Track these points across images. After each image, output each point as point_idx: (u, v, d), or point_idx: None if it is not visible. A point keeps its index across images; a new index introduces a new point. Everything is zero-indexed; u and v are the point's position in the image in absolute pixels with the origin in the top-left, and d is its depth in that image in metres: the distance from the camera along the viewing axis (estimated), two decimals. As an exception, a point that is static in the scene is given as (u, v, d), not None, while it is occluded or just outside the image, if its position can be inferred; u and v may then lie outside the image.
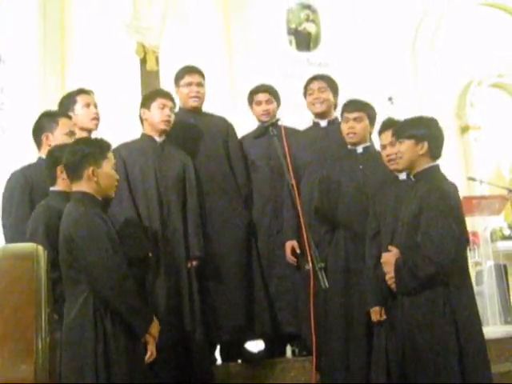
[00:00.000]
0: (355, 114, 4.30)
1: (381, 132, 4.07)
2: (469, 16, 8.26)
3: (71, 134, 4.01)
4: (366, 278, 3.92)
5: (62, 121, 4.00)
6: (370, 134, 4.43)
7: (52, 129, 3.96)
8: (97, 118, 4.38)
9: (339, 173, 4.37)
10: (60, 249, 3.15)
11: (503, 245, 7.64)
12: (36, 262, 1.56)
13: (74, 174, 3.27)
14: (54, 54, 6.68)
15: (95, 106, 4.40)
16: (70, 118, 4.12)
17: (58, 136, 3.95)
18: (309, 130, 4.89)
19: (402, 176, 3.82)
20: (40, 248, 1.65)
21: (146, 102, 4.47)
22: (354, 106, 4.36)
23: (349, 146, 4.39)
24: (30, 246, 1.65)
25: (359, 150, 4.37)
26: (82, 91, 4.40)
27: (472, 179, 7.06)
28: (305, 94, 4.85)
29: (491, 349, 3.95)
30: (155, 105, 4.39)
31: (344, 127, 4.34)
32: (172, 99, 4.47)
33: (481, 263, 7.04)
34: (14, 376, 1.37)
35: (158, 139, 4.45)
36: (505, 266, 7.26)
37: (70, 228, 3.13)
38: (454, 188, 3.62)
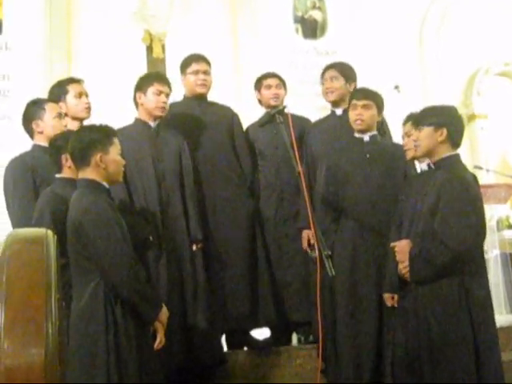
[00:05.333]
0: (363, 102, 4.30)
1: (405, 123, 4.08)
2: (476, 4, 8.20)
3: (60, 116, 4.04)
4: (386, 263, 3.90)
5: (49, 105, 4.05)
6: (378, 123, 4.44)
7: (40, 115, 4.01)
8: (89, 108, 4.35)
9: (346, 161, 4.37)
10: (69, 236, 3.15)
11: (509, 234, 7.60)
12: (46, 246, 1.57)
13: (81, 161, 3.26)
14: (60, 41, 6.67)
15: (86, 96, 4.37)
16: (56, 101, 4.16)
17: (47, 121, 4.00)
18: (326, 119, 4.93)
19: (424, 166, 3.78)
20: (50, 233, 1.66)
21: (142, 86, 4.39)
22: (362, 93, 4.36)
23: (356, 134, 4.39)
24: (40, 230, 1.66)
25: (366, 138, 4.37)
26: (72, 80, 4.38)
27: (478, 168, 7.03)
28: (321, 83, 4.90)
29: (496, 338, 3.95)
30: (151, 90, 4.33)
31: (352, 114, 4.35)
32: (169, 84, 4.41)
33: (487, 252, 7.04)
34: (24, 359, 1.38)
35: (152, 124, 4.40)
36: (511, 255, 7.24)
37: (80, 216, 3.12)
38: (474, 178, 3.61)
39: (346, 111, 4.75)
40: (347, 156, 4.40)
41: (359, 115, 4.30)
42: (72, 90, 4.31)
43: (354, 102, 4.33)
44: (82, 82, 4.39)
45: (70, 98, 4.29)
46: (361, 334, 4.10)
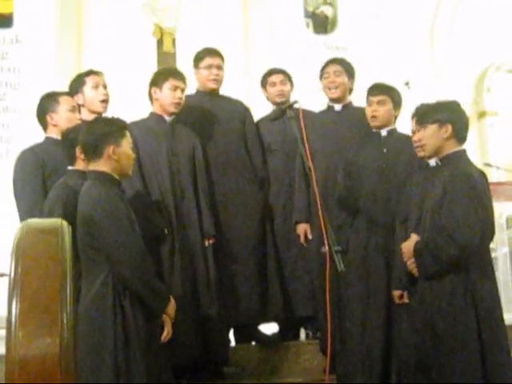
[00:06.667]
0: (379, 98, 4.28)
1: (412, 117, 4.05)
2: (487, 0, 8.16)
3: (74, 109, 4.04)
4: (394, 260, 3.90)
5: (63, 98, 4.04)
6: (395, 117, 4.40)
7: (54, 108, 4.00)
8: (106, 101, 4.30)
9: (363, 156, 4.36)
10: (78, 228, 3.14)
11: (519, 231, 7.59)
12: (61, 236, 1.57)
13: (94, 153, 3.26)
14: (71, 35, 6.69)
15: (104, 87, 4.32)
16: (70, 94, 4.15)
17: (62, 113, 4.00)
18: (323, 114, 4.87)
19: (432, 162, 3.74)
20: (64, 223, 1.66)
21: (157, 81, 4.38)
22: (377, 89, 4.33)
23: (373, 130, 4.38)
24: (55, 221, 1.66)
25: (383, 133, 4.34)
26: (91, 72, 4.33)
27: (488, 165, 7.02)
28: (321, 77, 4.83)
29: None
30: (167, 85, 4.33)
31: (368, 110, 4.33)
32: (184, 80, 4.40)
33: (495, 249, 7.01)
34: (39, 349, 1.38)
35: (168, 118, 4.41)
36: (520, 253, 7.22)
37: (90, 208, 3.12)
38: (481, 174, 3.59)
39: (345, 107, 4.75)
40: (364, 150, 4.38)
41: (374, 111, 4.28)
42: (89, 81, 4.27)
43: (370, 98, 4.31)
44: (101, 74, 4.34)
45: (87, 89, 4.26)
46: (370, 330, 4.10)
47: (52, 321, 1.39)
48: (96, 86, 4.27)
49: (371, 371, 4.05)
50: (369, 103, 4.33)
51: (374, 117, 4.30)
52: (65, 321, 1.43)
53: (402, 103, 4.41)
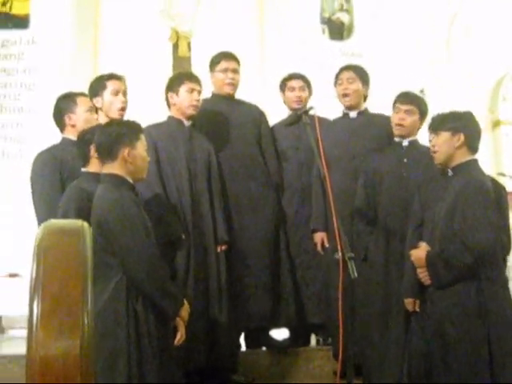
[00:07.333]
0: (407, 107, 4.26)
1: (429, 128, 4.03)
2: (505, 9, 8.13)
3: (91, 110, 4.04)
4: (405, 268, 3.88)
5: (80, 99, 4.04)
6: (418, 129, 4.39)
7: (72, 108, 4.00)
8: (124, 108, 4.26)
9: (383, 165, 4.34)
10: (92, 232, 3.13)
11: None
12: (83, 238, 1.57)
13: (108, 155, 3.26)
14: (87, 38, 6.72)
15: (124, 94, 4.28)
16: (86, 95, 4.14)
17: (80, 114, 3.99)
18: (338, 121, 4.85)
19: (450, 172, 3.71)
20: (86, 224, 1.66)
21: (173, 86, 4.40)
22: (407, 97, 4.32)
23: (396, 139, 4.37)
24: (76, 222, 1.66)
25: (405, 143, 4.34)
26: (112, 76, 4.29)
27: (502, 175, 7.01)
28: (335, 84, 4.82)
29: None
30: (184, 89, 4.34)
31: (394, 118, 4.31)
32: (199, 82, 4.42)
33: (509, 260, 6.98)
34: (60, 350, 1.38)
35: (187, 123, 4.42)
36: (534, 263, 7.19)
37: (104, 212, 3.14)
38: (497, 183, 3.59)
39: (360, 114, 4.72)
40: (384, 160, 4.36)
41: (401, 120, 4.27)
42: (110, 86, 4.23)
43: (398, 105, 4.29)
44: (123, 79, 4.30)
45: (107, 94, 4.22)
46: (389, 339, 4.09)
47: (73, 322, 1.40)
48: (116, 93, 4.23)
49: (386, 379, 4.04)
50: (396, 110, 4.31)
51: (400, 125, 4.28)
52: (86, 322, 1.44)
53: (427, 116, 4.34)
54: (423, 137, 4.26)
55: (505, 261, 3.78)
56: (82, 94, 4.12)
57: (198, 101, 4.37)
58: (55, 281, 1.41)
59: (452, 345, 3.39)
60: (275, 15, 7.15)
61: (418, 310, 3.73)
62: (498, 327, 3.38)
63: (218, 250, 4.32)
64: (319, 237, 4.64)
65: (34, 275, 1.47)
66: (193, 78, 4.41)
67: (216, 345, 4.22)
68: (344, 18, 7.49)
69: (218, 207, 4.38)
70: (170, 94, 4.43)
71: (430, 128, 3.79)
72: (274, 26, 7.12)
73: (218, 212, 4.37)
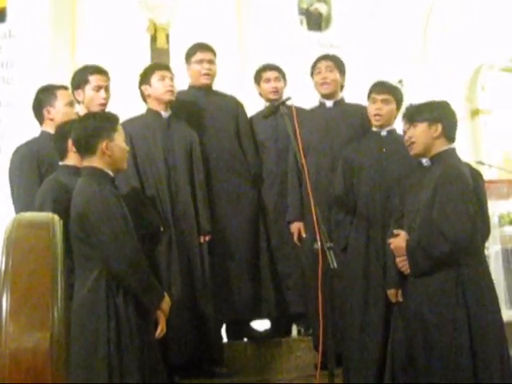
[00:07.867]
0: (383, 96, 4.26)
1: (403, 117, 4.03)
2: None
3: (71, 103, 4.01)
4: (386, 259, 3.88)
5: (60, 92, 4.01)
6: (395, 118, 4.39)
7: (51, 102, 3.97)
8: (105, 104, 4.23)
9: (362, 155, 4.34)
10: (72, 225, 3.13)
11: (511, 230, 7.60)
12: (52, 231, 1.57)
13: (87, 149, 3.25)
14: (64, 31, 6.65)
15: (106, 90, 4.25)
16: (66, 88, 4.11)
17: (59, 108, 3.97)
18: (314, 110, 4.85)
19: (427, 162, 3.71)
20: (56, 217, 1.66)
21: (144, 78, 4.41)
22: (382, 87, 4.31)
23: (373, 128, 4.37)
24: (46, 215, 1.66)
25: (383, 132, 4.34)
26: (96, 71, 4.25)
27: (481, 163, 7.04)
28: (312, 74, 4.81)
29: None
30: (155, 78, 4.35)
31: (371, 108, 4.31)
32: (170, 70, 4.44)
33: (487, 248, 7.03)
34: (30, 343, 1.38)
35: (164, 114, 4.41)
36: (512, 251, 7.25)
37: (84, 205, 3.11)
38: (475, 172, 3.61)
39: (337, 103, 4.72)
40: (363, 150, 4.36)
41: (378, 110, 4.26)
42: (93, 81, 4.20)
43: (374, 95, 4.28)
44: (106, 74, 4.27)
45: (89, 89, 4.19)
46: (369, 329, 4.10)
47: (43, 315, 1.39)
48: (98, 89, 4.21)
49: (367, 371, 4.06)
50: (372, 100, 4.31)
51: (377, 115, 4.28)
52: (56, 315, 1.43)
53: (403, 105, 4.34)
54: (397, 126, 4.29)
55: (483, 247, 3.80)
56: (63, 87, 4.08)
57: (171, 86, 4.37)
58: (24, 274, 1.41)
59: (432, 332, 3.40)
60: (253, 6, 7.12)
61: (401, 299, 3.74)
62: (477, 314, 3.40)
63: (202, 240, 4.32)
64: (296, 227, 4.66)
65: (2, 268, 1.46)
66: (162, 66, 4.45)
67: (201, 337, 4.22)
68: (322, 8, 7.48)
69: (200, 198, 4.37)
70: (143, 87, 4.43)
71: (404, 118, 3.79)
72: (252, 17, 7.10)
73: (201, 202, 4.36)
